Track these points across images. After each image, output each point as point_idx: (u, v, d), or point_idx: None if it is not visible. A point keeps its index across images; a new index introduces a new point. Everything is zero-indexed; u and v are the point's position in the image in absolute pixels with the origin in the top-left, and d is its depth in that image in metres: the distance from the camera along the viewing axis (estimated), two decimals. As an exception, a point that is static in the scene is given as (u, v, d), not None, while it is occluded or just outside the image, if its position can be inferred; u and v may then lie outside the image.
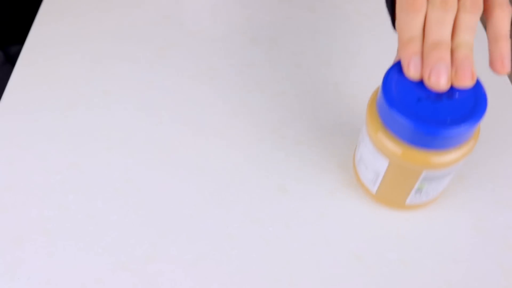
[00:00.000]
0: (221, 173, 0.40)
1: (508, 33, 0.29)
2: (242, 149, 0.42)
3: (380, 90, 0.30)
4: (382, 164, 0.33)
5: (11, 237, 0.37)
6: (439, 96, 0.29)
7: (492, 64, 0.29)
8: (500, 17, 0.29)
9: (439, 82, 0.28)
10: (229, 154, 0.42)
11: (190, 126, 0.44)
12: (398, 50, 0.30)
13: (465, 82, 0.28)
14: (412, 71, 0.28)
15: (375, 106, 0.32)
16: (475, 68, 0.29)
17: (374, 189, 0.37)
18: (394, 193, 0.36)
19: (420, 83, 0.30)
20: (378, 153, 0.33)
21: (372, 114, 0.33)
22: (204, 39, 0.52)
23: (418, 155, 0.30)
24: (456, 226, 0.37)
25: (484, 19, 0.30)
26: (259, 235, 0.37)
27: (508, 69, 0.28)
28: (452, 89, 0.29)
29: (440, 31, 0.28)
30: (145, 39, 0.52)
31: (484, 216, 0.37)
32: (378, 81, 0.47)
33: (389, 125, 0.31)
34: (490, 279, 0.34)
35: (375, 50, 0.50)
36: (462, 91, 0.29)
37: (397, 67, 0.30)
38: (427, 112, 0.28)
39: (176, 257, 0.36)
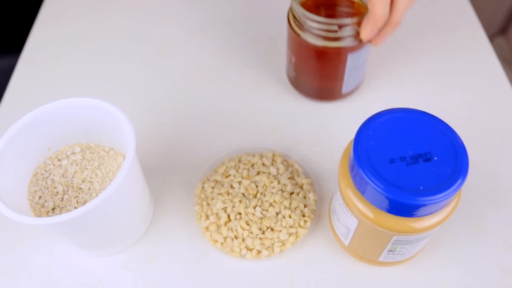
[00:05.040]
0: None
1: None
2: (242, 149, 0.42)
3: (352, 145, 0.28)
4: (352, 222, 0.31)
5: (12, 236, 0.37)
6: (415, 158, 0.26)
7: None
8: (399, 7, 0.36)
9: (377, 43, 0.38)
10: (229, 153, 0.42)
11: (191, 126, 0.44)
12: (367, 17, 0.36)
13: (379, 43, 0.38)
14: (367, 38, 0.37)
15: (348, 160, 0.29)
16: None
17: (346, 242, 0.34)
18: (366, 250, 0.33)
19: (397, 142, 0.27)
20: (348, 210, 0.30)
21: (344, 168, 0.30)
22: (204, 39, 0.52)
23: (388, 219, 0.28)
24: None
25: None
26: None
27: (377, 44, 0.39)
28: (430, 151, 0.27)
29: (403, 12, 0.36)
30: (145, 39, 0.52)
31: (484, 216, 0.37)
32: (377, 81, 0.47)
33: (357, 185, 0.28)
34: (489, 278, 0.34)
35: (373, 49, 0.50)
36: (441, 154, 0.27)
37: (373, 121, 0.28)
38: (399, 176, 0.26)
39: (176, 257, 0.36)
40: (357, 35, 0.38)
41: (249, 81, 0.47)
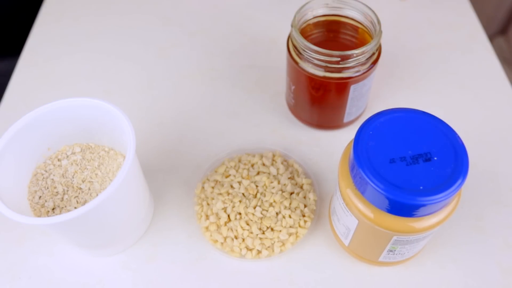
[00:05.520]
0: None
1: None
2: (242, 149, 0.42)
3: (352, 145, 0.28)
4: (352, 222, 0.31)
5: (12, 236, 0.37)
6: (415, 158, 0.26)
7: None
8: None
9: None
10: (229, 153, 0.42)
11: (191, 126, 0.44)
12: None
13: None
14: None
15: (348, 160, 0.29)
16: None
17: (346, 242, 0.34)
18: (366, 250, 0.33)
19: (397, 142, 0.27)
20: (348, 210, 0.30)
21: (344, 168, 0.30)
22: (204, 39, 0.52)
23: (388, 219, 0.28)
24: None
25: None
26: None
27: None
28: (430, 151, 0.27)
29: None
30: (145, 39, 0.52)
31: (484, 216, 0.37)
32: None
33: (357, 185, 0.28)
34: (489, 278, 0.34)
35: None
36: (441, 154, 0.27)
37: (373, 121, 0.28)
38: (399, 176, 0.26)
39: (176, 257, 0.36)
40: (360, 65, 0.35)
41: (249, 81, 0.47)
